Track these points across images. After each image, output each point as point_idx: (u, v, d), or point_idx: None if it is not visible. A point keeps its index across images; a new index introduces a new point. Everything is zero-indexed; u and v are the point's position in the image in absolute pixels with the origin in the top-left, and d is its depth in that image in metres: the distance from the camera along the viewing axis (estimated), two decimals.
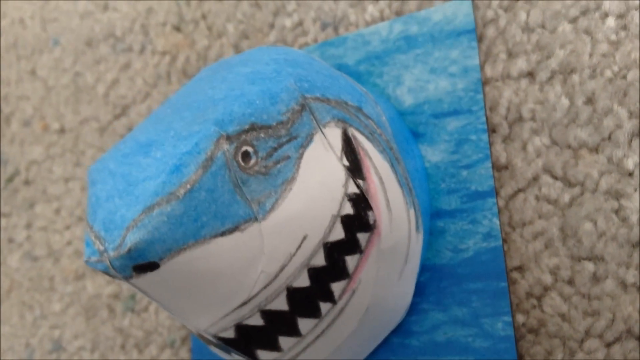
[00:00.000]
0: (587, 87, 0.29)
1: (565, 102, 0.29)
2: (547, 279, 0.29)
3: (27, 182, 0.48)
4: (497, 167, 0.30)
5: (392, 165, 0.28)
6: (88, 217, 0.24)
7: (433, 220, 0.31)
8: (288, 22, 0.38)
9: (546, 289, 0.29)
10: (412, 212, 0.28)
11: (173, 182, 0.22)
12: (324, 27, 0.36)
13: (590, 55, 0.29)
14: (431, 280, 0.31)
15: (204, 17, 0.41)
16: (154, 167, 0.23)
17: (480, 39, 0.32)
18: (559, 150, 0.29)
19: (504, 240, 0.30)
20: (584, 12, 0.29)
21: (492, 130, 0.31)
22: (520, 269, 0.30)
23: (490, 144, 0.31)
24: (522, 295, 0.29)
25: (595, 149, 0.28)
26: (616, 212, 0.28)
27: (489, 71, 0.31)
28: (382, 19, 0.34)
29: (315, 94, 0.26)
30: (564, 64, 0.29)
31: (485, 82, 0.31)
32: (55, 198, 0.47)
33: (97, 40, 0.46)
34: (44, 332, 0.46)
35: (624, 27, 0.28)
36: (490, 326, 0.29)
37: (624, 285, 0.27)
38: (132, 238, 0.21)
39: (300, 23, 0.37)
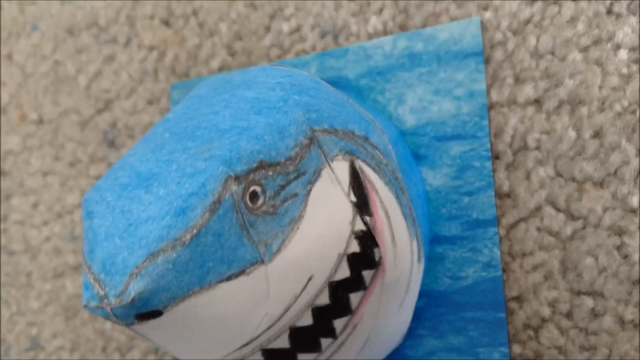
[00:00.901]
0: (595, 121, 0.28)
1: (572, 134, 0.29)
2: (546, 311, 0.29)
3: (2, 173, 0.46)
4: (499, 195, 0.30)
5: (397, 197, 0.27)
6: (85, 254, 0.23)
7: (432, 245, 0.31)
8: (285, 27, 0.36)
9: (544, 320, 0.29)
10: (414, 243, 0.28)
11: (178, 227, 0.21)
12: (323, 35, 0.35)
13: (600, 87, 0.28)
14: (428, 306, 0.31)
15: (195, 13, 0.39)
16: (157, 206, 0.22)
17: (486, 61, 0.31)
18: (563, 183, 0.29)
19: (503, 270, 0.30)
20: (596, 42, 0.29)
21: (495, 156, 0.30)
22: (518, 299, 0.30)
23: (493, 170, 0.30)
24: (519, 326, 0.29)
25: (600, 184, 0.28)
26: (618, 248, 0.28)
27: (494, 96, 0.30)
28: (385, 32, 0.33)
29: (323, 126, 0.25)
30: (572, 94, 0.29)
31: (490, 106, 0.31)
32: (32, 192, 0.45)
33: (79, 28, 0.44)
34: (20, 329, 0.44)
35: (636, 61, 0.28)
36: (487, 356, 0.29)
37: (622, 322, 0.28)
38: (136, 287, 0.20)
39: (297, 28, 0.36)
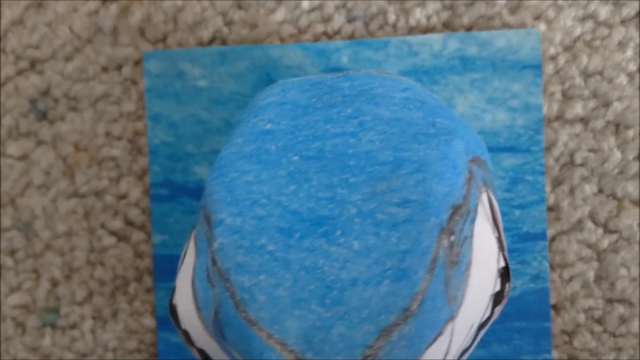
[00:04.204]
0: (638, 144, 0.30)
1: (618, 154, 0.31)
2: (581, 317, 0.31)
3: None
4: None
5: (501, 219, 0.26)
6: (263, 323, 0.18)
7: None
8: (305, 2, 0.32)
9: (578, 326, 0.31)
10: None
11: (405, 294, 0.18)
12: (351, 18, 0.31)
13: None
14: None
15: None
16: (361, 265, 0.18)
17: None
18: (604, 200, 0.31)
19: None
20: None
21: None
22: (556, 307, 0.31)
23: None
24: (556, 332, 0.31)
25: (637, 203, 0.31)
26: None
27: (544, 109, 0.31)
28: (427, 27, 0.31)
29: (470, 155, 0.23)
30: (619, 117, 0.30)
31: None
32: None
33: None
34: None
35: None
36: None
37: None
38: None
39: (319, 6, 0.32)
